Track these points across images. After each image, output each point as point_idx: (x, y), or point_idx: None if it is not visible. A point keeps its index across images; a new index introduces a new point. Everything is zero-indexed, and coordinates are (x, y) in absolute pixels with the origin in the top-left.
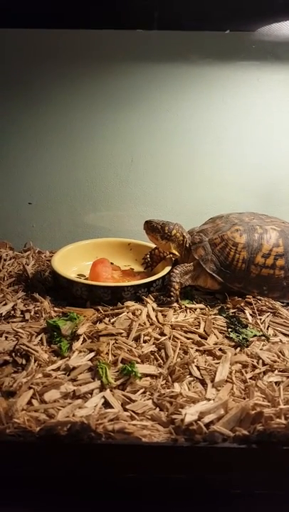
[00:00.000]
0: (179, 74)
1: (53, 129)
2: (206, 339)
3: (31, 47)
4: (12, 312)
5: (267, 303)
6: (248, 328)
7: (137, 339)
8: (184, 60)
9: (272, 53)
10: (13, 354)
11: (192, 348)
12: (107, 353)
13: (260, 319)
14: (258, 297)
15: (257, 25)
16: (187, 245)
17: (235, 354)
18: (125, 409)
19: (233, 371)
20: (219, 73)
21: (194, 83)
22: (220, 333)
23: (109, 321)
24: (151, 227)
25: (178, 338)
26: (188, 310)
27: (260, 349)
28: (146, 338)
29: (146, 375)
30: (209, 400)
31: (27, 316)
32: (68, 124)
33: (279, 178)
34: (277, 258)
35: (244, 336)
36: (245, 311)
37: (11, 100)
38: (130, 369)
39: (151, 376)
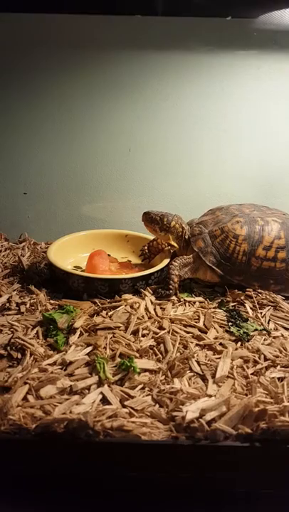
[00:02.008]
0: (178, 62)
1: (49, 119)
2: (206, 333)
3: (26, 32)
4: (7, 304)
5: (268, 296)
6: (248, 322)
7: (135, 333)
8: (183, 48)
9: (273, 41)
10: (8, 348)
11: (192, 343)
12: (105, 348)
13: (261, 313)
14: (259, 290)
15: (259, 12)
16: (186, 237)
17: (236, 349)
18: (124, 406)
19: (235, 366)
20: (219, 61)
21: (193, 71)
22: (220, 327)
23: (107, 314)
24: (150, 219)
25: (177, 332)
26: (187, 303)
27: (262, 344)
28: (145, 332)
29: (145, 370)
30: (210, 396)
31: (22, 308)
32: (65, 114)
33: (279, 169)
34: (279, 250)
35: (245, 330)
36: (246, 305)
37: (5, 89)
38: (129, 364)
39: (150, 371)
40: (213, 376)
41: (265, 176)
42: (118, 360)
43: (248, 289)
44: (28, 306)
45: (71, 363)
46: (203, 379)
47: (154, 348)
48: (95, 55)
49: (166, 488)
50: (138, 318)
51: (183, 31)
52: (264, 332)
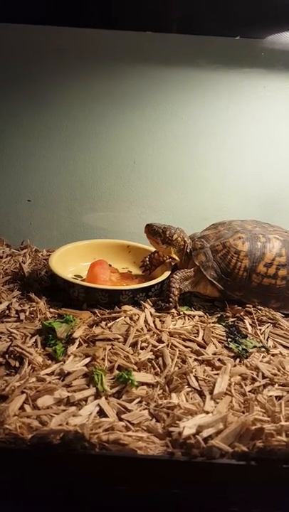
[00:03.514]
0: (185, 78)
1: (55, 128)
2: (204, 348)
3: (34, 44)
4: (7, 312)
5: (267, 313)
6: (247, 339)
7: (134, 345)
8: (191, 65)
9: (280, 62)
10: (7, 356)
11: (190, 357)
12: (103, 359)
13: (260, 330)
14: (259, 307)
15: (266, 33)
16: (188, 251)
17: (235, 365)
18: (120, 419)
19: (232, 383)
20: (226, 79)
21: (200, 88)
22: (219, 342)
23: (106, 325)
24: (152, 231)
25: (176, 346)
26: (186, 317)
27: (260, 361)
28: (144, 344)
29: (143, 384)
30: (208, 412)
31: (22, 316)
32: (70, 123)
33: (282, 186)
34: (280, 268)
35: (244, 347)
36: (245, 321)
37: (11, 97)
38: (127, 377)
39: (148, 385)
40: (211, 392)
41: (267, 192)
42: (116, 372)
43: (247, 305)
44: (27, 313)
45: (69, 373)
46: (201, 395)
47: (153, 362)
48: (104, 69)
49: (160, 503)
50: (137, 330)
51: (192, 48)
52: (263, 349)
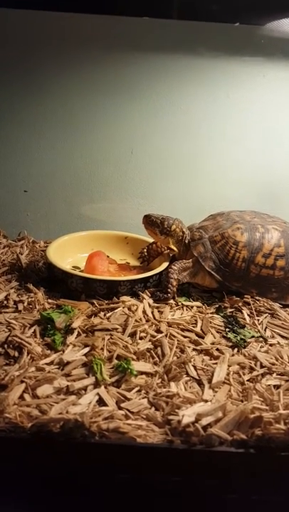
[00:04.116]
0: (184, 65)
1: (52, 117)
2: (203, 338)
3: (31, 30)
4: (5, 302)
5: (265, 304)
6: (245, 329)
7: (132, 335)
8: (189, 52)
9: (280, 49)
10: (6, 346)
11: (189, 347)
12: (102, 349)
13: (258, 320)
14: (257, 297)
15: (266, 20)
16: (186, 241)
17: (233, 355)
18: (120, 408)
19: (231, 372)
20: (225, 67)
21: (199, 76)
22: (217, 332)
23: (105, 315)
24: (151, 222)
25: (174, 336)
26: (184, 307)
27: (258, 351)
28: (143, 334)
29: (142, 373)
30: (206, 401)
31: (20, 306)
32: (68, 112)
33: (281, 176)
34: (278, 259)
35: (242, 337)
36: (243, 311)
37: (8, 86)
38: (126, 366)
39: (147, 374)
40: (210, 381)
41: (266, 182)
42: (115, 361)
43: (246, 296)
44: (25, 304)
45: (68, 363)
46: (200, 384)
47: (151, 351)
48: (100, 56)
49: (159, 492)
50: (136, 320)
51: (190, 35)
52: (261, 339)
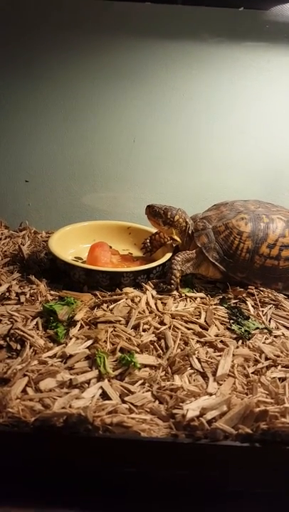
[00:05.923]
0: (187, 51)
1: (54, 106)
2: (206, 330)
3: (32, 18)
4: (7, 294)
5: (270, 294)
6: (249, 320)
7: (136, 327)
8: (193, 37)
9: (285, 34)
10: (8, 338)
11: (193, 339)
12: (105, 341)
13: (262, 311)
14: (261, 288)
15: (271, 4)
16: (190, 232)
17: (237, 347)
18: (124, 401)
19: (235, 365)
20: (229, 52)
21: (203, 62)
22: (221, 324)
23: (108, 307)
24: (154, 212)
25: (178, 328)
26: (188, 299)
27: (263, 343)
28: (146, 326)
29: (146, 366)
30: (211, 394)
31: (22, 298)
32: (69, 101)
33: (285, 164)
34: (283, 249)
35: (246, 329)
36: (247, 302)
37: (10, 75)
38: (129, 359)
39: (151, 367)
40: (214, 374)
41: (270, 170)
42: (118, 354)
43: (250, 287)
44: (28, 296)
45: (71, 356)
46: (204, 376)
47: (155, 344)
48: (102, 42)
49: (163, 486)
50: (139, 312)
51: (193, 20)
52: (265, 331)
